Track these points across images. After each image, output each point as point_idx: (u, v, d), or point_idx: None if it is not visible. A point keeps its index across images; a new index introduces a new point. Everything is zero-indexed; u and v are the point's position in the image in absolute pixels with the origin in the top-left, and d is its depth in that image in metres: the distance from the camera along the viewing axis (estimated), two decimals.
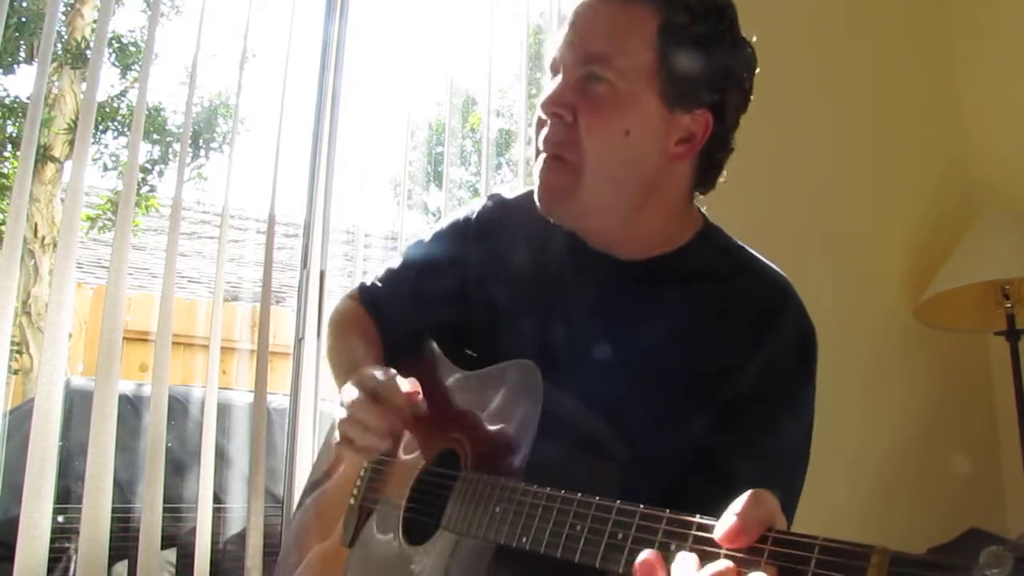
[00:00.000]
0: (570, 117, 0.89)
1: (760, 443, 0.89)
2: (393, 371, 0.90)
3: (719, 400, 0.89)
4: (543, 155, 0.92)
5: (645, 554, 0.57)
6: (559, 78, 0.91)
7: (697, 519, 0.57)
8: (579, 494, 0.67)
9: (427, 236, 1.14)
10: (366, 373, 0.91)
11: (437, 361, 1.05)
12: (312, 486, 1.16)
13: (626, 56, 0.87)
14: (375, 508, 0.95)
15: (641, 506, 0.62)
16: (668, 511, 0.59)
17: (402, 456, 0.96)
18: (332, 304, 1.23)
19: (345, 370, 1.04)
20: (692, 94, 0.89)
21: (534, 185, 0.94)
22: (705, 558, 0.54)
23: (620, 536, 0.61)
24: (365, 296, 1.15)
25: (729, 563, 0.53)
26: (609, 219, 0.94)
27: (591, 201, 0.91)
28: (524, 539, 0.70)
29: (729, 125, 0.94)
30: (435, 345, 1.08)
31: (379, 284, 1.15)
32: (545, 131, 0.91)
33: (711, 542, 0.55)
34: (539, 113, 0.92)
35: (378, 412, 0.86)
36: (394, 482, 0.94)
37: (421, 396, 0.89)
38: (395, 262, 1.16)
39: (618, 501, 0.63)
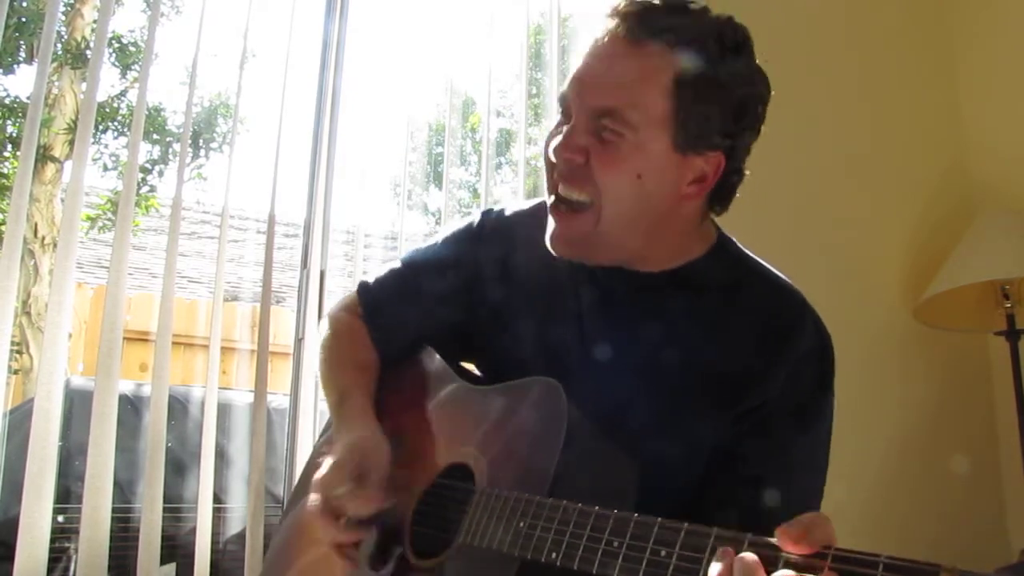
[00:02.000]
0: (582, 159, 0.88)
1: (787, 450, 0.90)
2: (352, 469, 0.90)
3: (745, 407, 0.90)
4: (555, 197, 0.91)
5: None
6: (566, 126, 0.90)
7: (748, 536, 0.56)
8: (614, 510, 0.66)
9: (431, 241, 1.13)
10: (325, 479, 0.90)
11: (442, 374, 1.03)
12: (299, 497, 1.11)
13: (638, 109, 0.85)
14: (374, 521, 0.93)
15: (686, 524, 0.60)
16: (716, 528, 0.59)
17: (403, 469, 0.94)
18: (332, 304, 1.21)
19: (333, 401, 1.04)
20: (705, 139, 0.88)
21: (548, 228, 0.93)
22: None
23: (663, 553, 0.60)
24: (365, 298, 1.13)
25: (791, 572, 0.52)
26: (621, 251, 0.94)
27: (606, 239, 0.90)
28: (554, 554, 0.68)
29: (740, 159, 0.93)
30: (439, 357, 1.06)
31: (380, 286, 1.13)
32: (556, 173, 0.91)
33: (765, 558, 0.54)
34: (549, 155, 0.91)
35: (332, 528, 0.89)
36: (396, 495, 0.92)
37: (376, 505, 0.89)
38: (397, 263, 1.14)
39: (660, 519, 0.62)
